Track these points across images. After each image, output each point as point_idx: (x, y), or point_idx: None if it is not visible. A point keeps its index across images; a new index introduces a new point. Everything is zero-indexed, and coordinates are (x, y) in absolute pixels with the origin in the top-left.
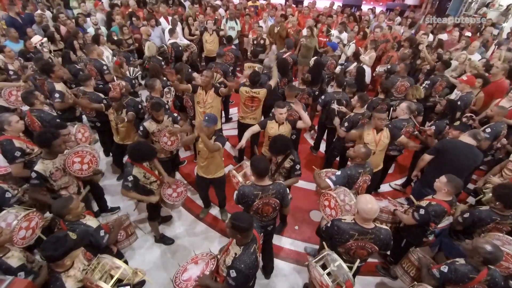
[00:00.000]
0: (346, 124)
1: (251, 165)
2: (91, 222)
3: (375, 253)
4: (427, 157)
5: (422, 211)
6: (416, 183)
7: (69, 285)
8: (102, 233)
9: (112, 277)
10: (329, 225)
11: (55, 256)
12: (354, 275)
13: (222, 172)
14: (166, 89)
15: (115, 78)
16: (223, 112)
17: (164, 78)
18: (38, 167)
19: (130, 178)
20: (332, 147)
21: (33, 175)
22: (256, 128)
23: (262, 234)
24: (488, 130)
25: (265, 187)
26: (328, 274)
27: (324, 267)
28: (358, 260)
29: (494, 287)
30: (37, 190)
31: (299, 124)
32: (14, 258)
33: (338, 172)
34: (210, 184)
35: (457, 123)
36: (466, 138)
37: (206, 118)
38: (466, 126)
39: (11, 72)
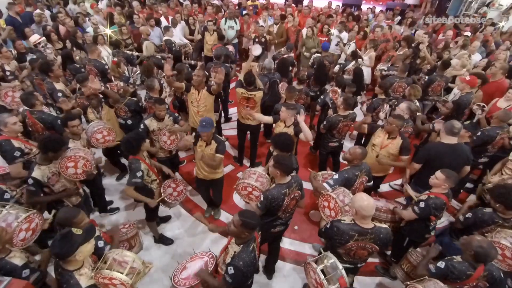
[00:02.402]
0: (324, 123)
1: (277, 163)
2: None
3: (375, 253)
4: (416, 166)
5: (422, 204)
6: (411, 183)
7: (83, 283)
8: (100, 243)
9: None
10: (328, 226)
11: (64, 253)
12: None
13: (221, 173)
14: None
15: (113, 78)
16: (222, 112)
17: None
18: (36, 173)
19: (139, 173)
20: (320, 147)
21: (30, 181)
22: (269, 119)
23: (260, 232)
24: (478, 133)
25: (289, 183)
26: (323, 272)
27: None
28: None
29: (493, 282)
30: (34, 196)
31: (301, 136)
32: (17, 258)
33: (336, 176)
34: (210, 185)
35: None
36: (446, 138)
37: (204, 123)
38: (474, 127)
39: (7, 73)
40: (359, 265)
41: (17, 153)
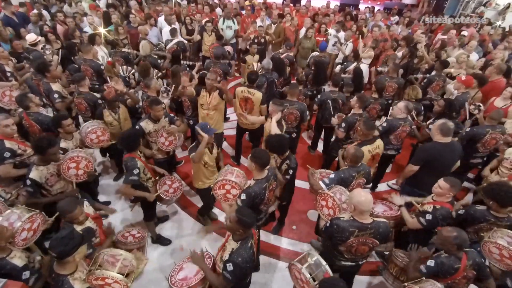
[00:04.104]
0: (343, 125)
1: (253, 157)
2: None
3: (374, 253)
4: (414, 168)
5: (429, 217)
6: (405, 184)
7: (78, 287)
8: None
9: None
10: (328, 224)
11: (66, 251)
12: (353, 275)
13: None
14: (162, 89)
15: (108, 78)
16: None
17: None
18: (33, 174)
19: (136, 171)
20: (330, 147)
21: (28, 182)
22: (261, 119)
23: (258, 230)
24: (468, 129)
25: (267, 177)
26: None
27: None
28: None
29: (478, 268)
30: (32, 197)
31: None
32: (18, 259)
33: (332, 175)
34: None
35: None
36: (442, 138)
37: (208, 127)
38: (459, 125)
39: (8, 74)
40: (360, 263)
41: (7, 154)
